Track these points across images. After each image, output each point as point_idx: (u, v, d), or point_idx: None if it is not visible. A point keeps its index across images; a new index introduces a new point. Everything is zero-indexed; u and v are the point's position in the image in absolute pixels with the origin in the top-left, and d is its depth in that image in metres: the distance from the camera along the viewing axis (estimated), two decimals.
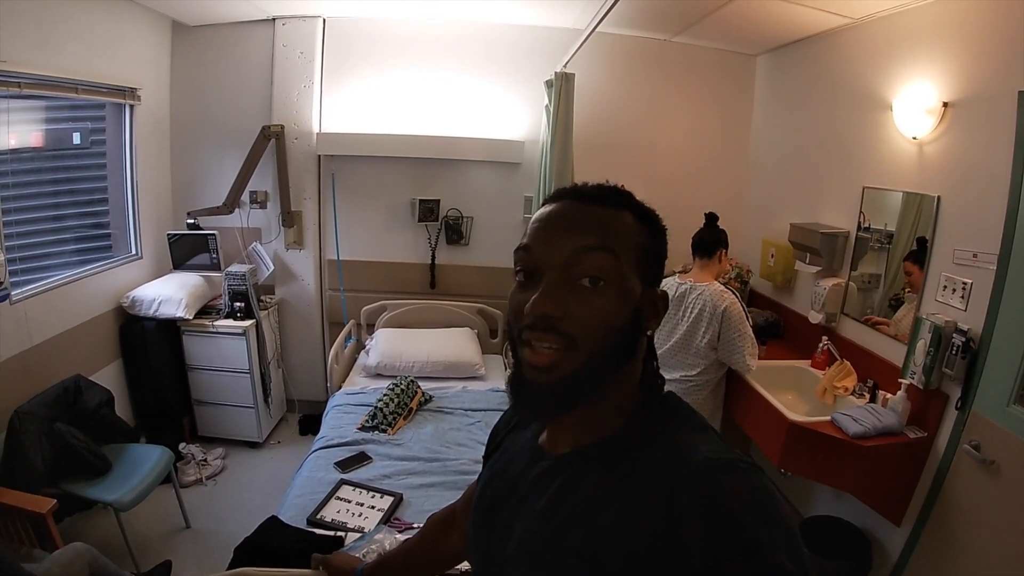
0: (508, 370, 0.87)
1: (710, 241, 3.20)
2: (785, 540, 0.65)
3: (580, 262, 0.79)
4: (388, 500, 2.82)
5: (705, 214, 3.28)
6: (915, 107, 2.73)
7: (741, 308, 3.07)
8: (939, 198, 2.67)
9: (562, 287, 0.79)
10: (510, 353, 0.87)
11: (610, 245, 0.80)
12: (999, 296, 2.35)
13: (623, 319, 0.80)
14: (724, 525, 0.66)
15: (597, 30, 3.16)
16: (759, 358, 3.39)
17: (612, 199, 0.86)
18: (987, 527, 2.39)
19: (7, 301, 3.00)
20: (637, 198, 0.89)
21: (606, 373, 0.81)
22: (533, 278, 0.82)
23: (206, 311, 4.23)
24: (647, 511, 0.71)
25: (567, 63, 3.73)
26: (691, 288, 3.14)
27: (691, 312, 3.12)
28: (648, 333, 0.88)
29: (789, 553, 0.64)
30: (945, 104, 2.61)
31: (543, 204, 0.89)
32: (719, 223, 3.26)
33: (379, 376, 4.15)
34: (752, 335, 3.08)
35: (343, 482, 2.95)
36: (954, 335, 2.48)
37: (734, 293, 3.11)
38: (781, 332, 3.91)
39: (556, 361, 0.78)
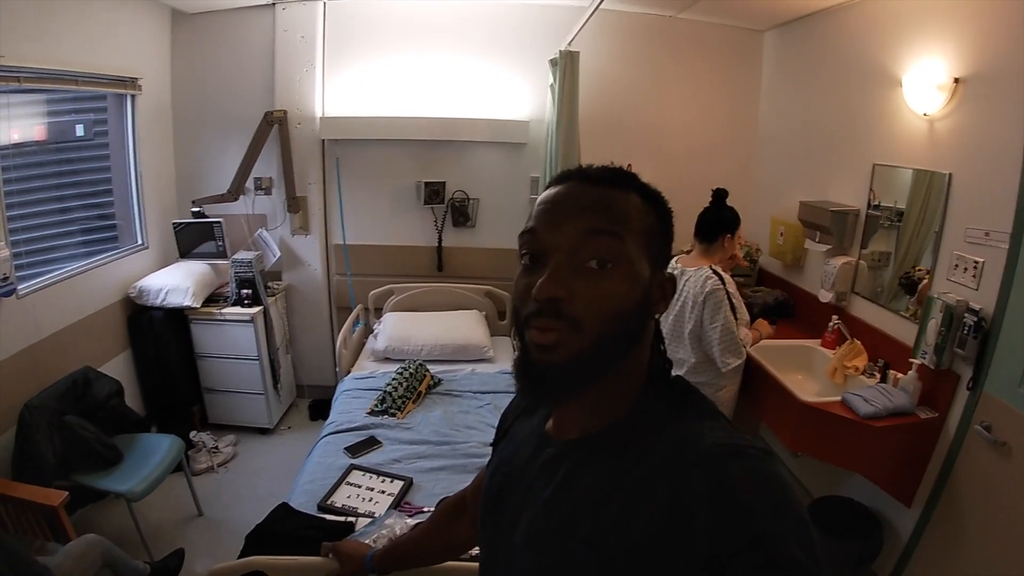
0: (515, 353, 0.85)
1: (712, 224, 2.95)
2: (796, 529, 0.64)
3: (587, 244, 0.78)
4: (398, 484, 2.83)
5: (713, 191, 3.02)
6: (925, 83, 2.68)
7: (725, 295, 2.78)
8: (950, 175, 2.63)
9: (569, 270, 0.77)
10: (516, 339, 0.86)
11: (618, 227, 0.79)
12: (1012, 275, 2.31)
13: (632, 302, 0.79)
14: (732, 514, 0.64)
15: (602, 7, 3.10)
16: (769, 336, 3.30)
17: (618, 181, 0.84)
18: (998, 508, 2.37)
19: (14, 295, 3.00)
20: (642, 179, 0.88)
21: (613, 356, 0.80)
22: (539, 261, 0.81)
23: (213, 299, 4.23)
24: (654, 500, 0.70)
25: (571, 41, 3.70)
26: (681, 273, 2.94)
27: (679, 299, 2.93)
28: (656, 316, 0.87)
29: (800, 542, 0.63)
30: (956, 80, 2.56)
31: (548, 186, 0.87)
32: (728, 201, 3.02)
33: (387, 360, 4.16)
34: (732, 328, 2.78)
35: (353, 467, 2.96)
36: (966, 314, 2.44)
37: (720, 278, 2.80)
38: (791, 311, 3.88)
39: (561, 341, 0.76)
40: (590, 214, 0.79)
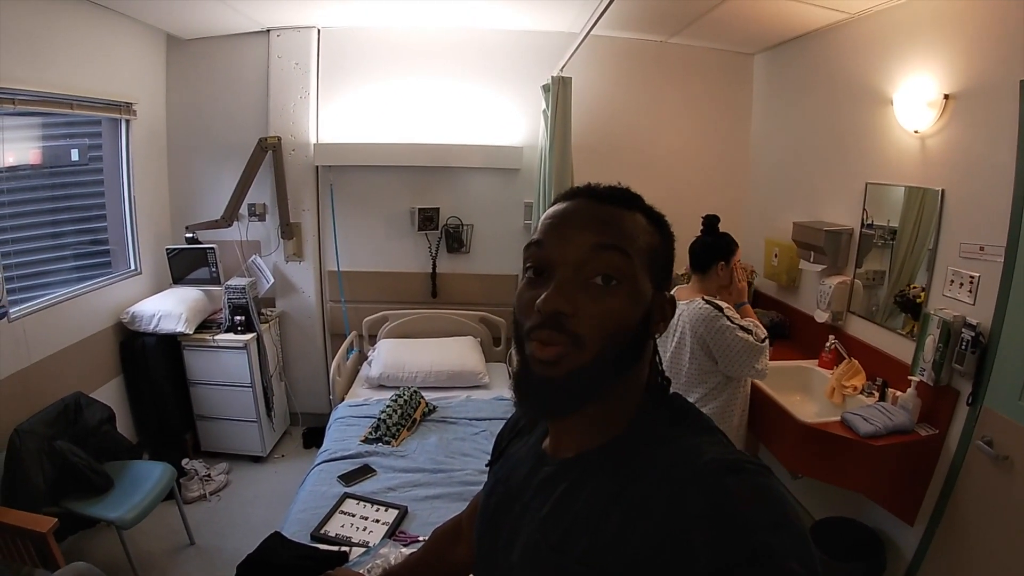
0: (514, 367, 0.85)
1: (704, 252, 2.75)
2: (795, 544, 0.63)
3: (594, 260, 0.79)
4: (393, 513, 2.79)
5: (703, 219, 2.83)
6: (916, 100, 2.70)
7: (725, 319, 2.57)
8: (943, 191, 2.64)
9: (575, 284, 0.78)
10: (515, 352, 0.86)
11: (624, 245, 0.80)
12: (1008, 288, 2.32)
13: (634, 320, 0.80)
14: (731, 529, 0.63)
15: (592, 33, 3.14)
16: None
17: (625, 200, 0.86)
18: (1002, 523, 2.35)
19: (5, 319, 2.98)
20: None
21: (613, 373, 0.80)
22: (544, 275, 0.81)
23: (206, 325, 4.21)
24: (652, 516, 0.70)
25: (563, 67, 3.72)
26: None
27: (676, 334, 2.74)
28: (655, 336, 0.87)
29: (799, 557, 0.62)
30: (946, 96, 2.59)
31: (555, 201, 0.88)
32: (720, 226, 2.81)
33: (382, 387, 4.12)
34: (744, 344, 2.55)
35: (347, 496, 2.92)
36: (963, 330, 2.44)
37: (714, 306, 2.61)
38: (787, 332, 3.87)
39: (562, 355, 0.76)
40: (598, 229, 0.81)
